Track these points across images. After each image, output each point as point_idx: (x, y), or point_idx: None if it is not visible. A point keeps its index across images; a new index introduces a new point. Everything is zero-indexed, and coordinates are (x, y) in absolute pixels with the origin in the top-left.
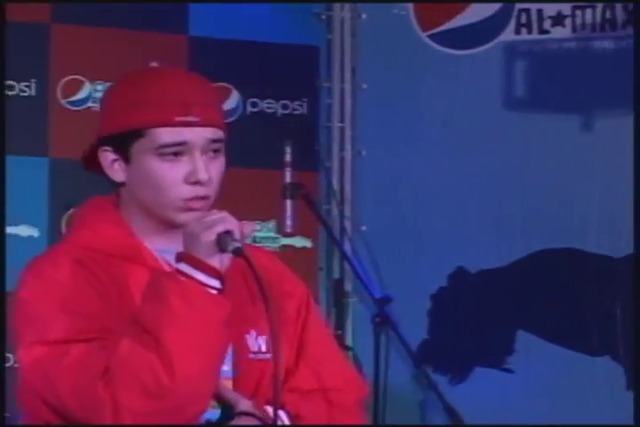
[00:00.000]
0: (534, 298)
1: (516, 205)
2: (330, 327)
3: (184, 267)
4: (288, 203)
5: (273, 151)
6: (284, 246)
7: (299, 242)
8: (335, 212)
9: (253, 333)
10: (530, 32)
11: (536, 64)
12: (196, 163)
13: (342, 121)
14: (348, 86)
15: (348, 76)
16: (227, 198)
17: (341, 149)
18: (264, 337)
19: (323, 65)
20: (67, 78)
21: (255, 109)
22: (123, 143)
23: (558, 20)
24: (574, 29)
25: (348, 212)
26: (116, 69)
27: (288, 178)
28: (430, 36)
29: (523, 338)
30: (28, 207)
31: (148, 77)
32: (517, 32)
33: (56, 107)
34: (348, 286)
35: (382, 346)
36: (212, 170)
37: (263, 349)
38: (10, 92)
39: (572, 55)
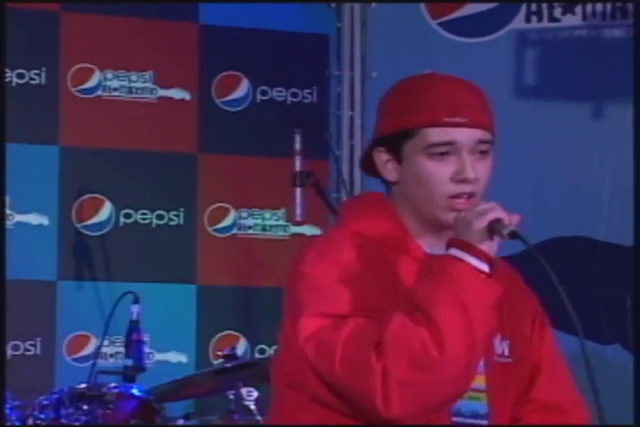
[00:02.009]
0: (544, 286)
1: (528, 192)
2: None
3: (456, 251)
4: (298, 191)
5: (283, 139)
6: (294, 235)
7: (308, 230)
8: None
9: (498, 335)
10: (540, 20)
11: (546, 52)
12: (462, 162)
13: (352, 109)
14: (357, 74)
15: (357, 64)
16: (237, 186)
17: (351, 137)
18: (507, 341)
19: (332, 53)
20: (77, 66)
21: (265, 97)
22: (396, 144)
23: (569, 7)
24: (585, 17)
25: None
26: (125, 58)
27: (298, 166)
28: (440, 24)
29: None
30: (39, 195)
31: (423, 82)
32: (528, 20)
33: (66, 95)
34: None
35: None
36: (478, 169)
37: (506, 353)
38: (20, 81)
39: (582, 43)
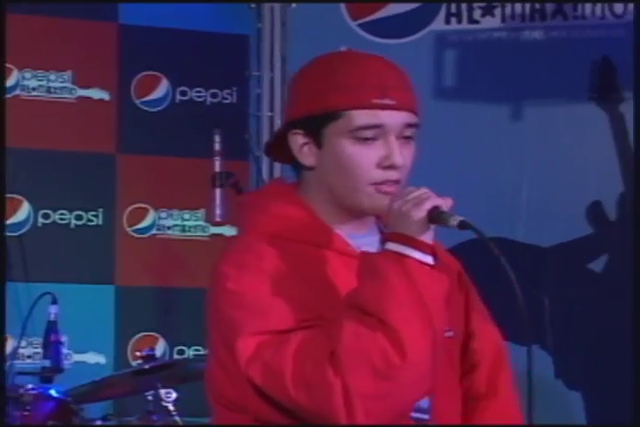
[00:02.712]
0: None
1: (447, 193)
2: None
3: (396, 246)
4: (217, 192)
5: (202, 140)
6: (214, 235)
7: (228, 231)
8: None
9: None
10: (460, 22)
11: (466, 54)
12: (391, 146)
13: (272, 110)
14: (277, 75)
15: (277, 65)
16: (156, 187)
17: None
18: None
19: (252, 54)
20: None
21: (185, 98)
22: (316, 126)
23: (488, 9)
24: (504, 19)
25: None
26: (44, 57)
27: (217, 167)
28: (360, 25)
29: None
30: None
31: (343, 61)
32: (447, 22)
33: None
34: None
35: None
36: (404, 155)
37: (445, 327)
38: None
39: (501, 45)
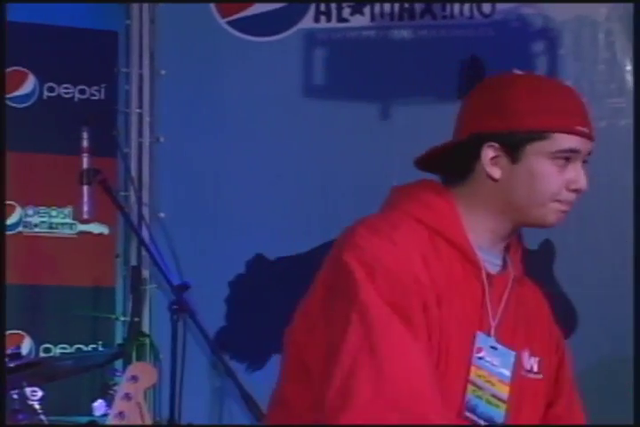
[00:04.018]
0: None
1: (316, 192)
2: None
3: None
4: (85, 189)
5: (70, 137)
6: (82, 233)
7: (96, 228)
8: (133, 198)
9: (527, 351)
10: (329, 20)
11: (335, 52)
12: (579, 172)
13: (140, 107)
14: (146, 72)
15: (146, 61)
16: (23, 184)
17: (139, 135)
18: (537, 358)
19: (121, 50)
20: None
21: (52, 94)
22: (517, 143)
23: (357, 8)
24: (373, 18)
25: (146, 198)
26: None
27: (85, 164)
28: (229, 23)
29: None
30: None
31: (547, 85)
32: (317, 20)
33: None
34: (146, 273)
35: (180, 333)
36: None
37: (535, 369)
38: None
39: (370, 44)
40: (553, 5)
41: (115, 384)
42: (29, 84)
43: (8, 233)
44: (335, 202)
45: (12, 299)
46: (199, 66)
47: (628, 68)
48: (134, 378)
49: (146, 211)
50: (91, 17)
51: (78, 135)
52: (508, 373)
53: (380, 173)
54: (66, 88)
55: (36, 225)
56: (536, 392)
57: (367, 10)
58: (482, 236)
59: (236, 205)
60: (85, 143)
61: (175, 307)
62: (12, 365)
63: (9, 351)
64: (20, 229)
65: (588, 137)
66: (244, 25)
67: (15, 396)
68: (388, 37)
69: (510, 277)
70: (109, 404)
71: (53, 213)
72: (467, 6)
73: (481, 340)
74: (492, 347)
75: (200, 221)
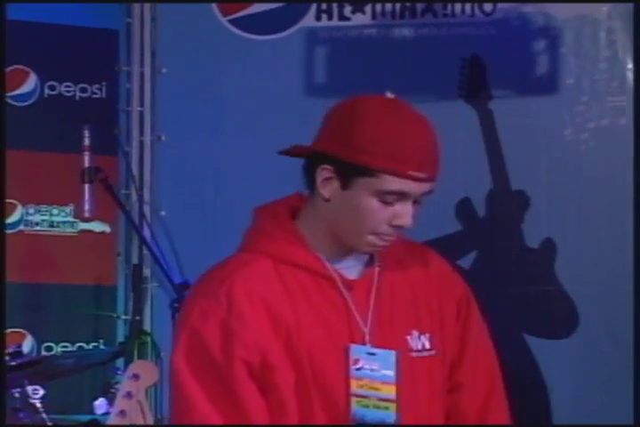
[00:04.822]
0: None
1: None
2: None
3: None
4: (86, 187)
5: (71, 135)
6: (83, 231)
7: (97, 227)
8: (134, 196)
9: (415, 333)
10: (330, 18)
11: (336, 51)
12: (405, 210)
13: (142, 105)
14: (147, 70)
15: (147, 60)
16: (24, 182)
17: (141, 133)
18: (427, 335)
19: (122, 49)
20: None
21: (53, 93)
22: (349, 174)
23: (359, 6)
24: (374, 16)
25: (147, 197)
26: None
27: (86, 162)
28: (231, 21)
29: None
30: None
31: (392, 121)
32: (318, 18)
33: None
34: (147, 272)
35: None
36: (414, 216)
37: (427, 346)
38: None
39: (371, 42)
40: (554, 4)
41: (116, 383)
42: (30, 82)
43: (9, 232)
44: None
45: (14, 297)
46: (200, 64)
47: (630, 66)
48: (136, 376)
49: (147, 209)
50: (92, 15)
51: (79, 134)
52: (391, 373)
53: None
54: (67, 86)
55: (37, 223)
56: (431, 368)
57: (368, 8)
58: (329, 249)
59: (238, 203)
60: (86, 142)
61: (176, 305)
62: (13, 363)
63: (10, 350)
64: (22, 227)
65: (425, 180)
66: (246, 23)
67: (17, 394)
68: (389, 36)
69: (375, 273)
70: (111, 402)
71: (54, 211)
72: (468, 5)
73: (355, 351)
74: (370, 353)
75: (201, 219)
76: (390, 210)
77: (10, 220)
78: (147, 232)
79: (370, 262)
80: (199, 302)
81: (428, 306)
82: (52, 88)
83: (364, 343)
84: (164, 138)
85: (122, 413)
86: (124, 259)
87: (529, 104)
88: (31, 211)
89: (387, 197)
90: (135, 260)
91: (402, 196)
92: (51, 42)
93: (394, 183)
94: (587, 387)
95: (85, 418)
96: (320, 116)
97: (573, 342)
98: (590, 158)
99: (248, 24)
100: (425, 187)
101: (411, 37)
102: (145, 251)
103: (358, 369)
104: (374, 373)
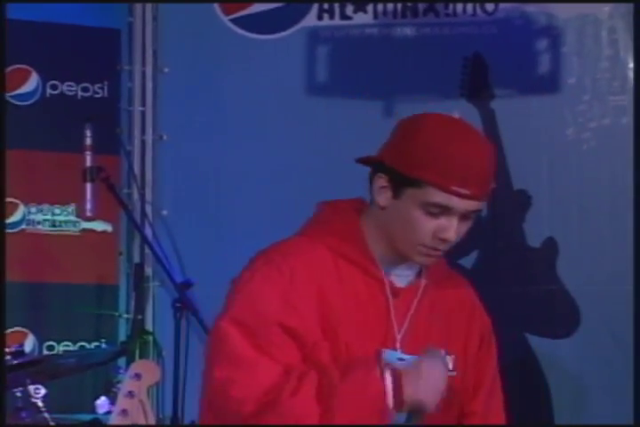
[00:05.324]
0: None
1: (319, 189)
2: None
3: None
4: (88, 186)
5: (73, 134)
6: (85, 230)
7: (99, 226)
8: (136, 196)
9: (442, 352)
10: (332, 18)
11: (338, 50)
12: (451, 224)
13: (143, 105)
14: (149, 70)
15: (149, 59)
16: (26, 181)
17: (142, 132)
18: (452, 357)
19: (124, 48)
20: None
21: (55, 92)
22: (400, 183)
23: (360, 6)
24: (376, 16)
25: (148, 196)
26: None
27: (88, 161)
28: (232, 21)
29: None
30: None
31: (450, 142)
32: (320, 18)
33: None
34: (149, 271)
35: (183, 331)
36: (460, 231)
37: (450, 367)
38: None
39: (373, 41)
40: (556, 3)
41: (118, 382)
42: (32, 81)
43: (11, 231)
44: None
45: (16, 296)
46: (202, 64)
47: (631, 65)
48: (137, 376)
49: (149, 208)
50: (93, 15)
51: (81, 133)
52: None
53: None
54: (69, 86)
55: (39, 223)
56: (450, 387)
57: (370, 8)
58: (385, 252)
59: (239, 202)
60: (88, 141)
61: (178, 304)
62: (15, 362)
63: (12, 349)
64: (24, 226)
65: (469, 198)
66: (248, 23)
67: (18, 394)
68: (390, 35)
69: (421, 286)
70: (112, 402)
71: (56, 210)
72: (470, 4)
73: (387, 356)
74: (400, 359)
75: (203, 218)
76: (435, 222)
77: (12, 219)
78: (148, 231)
79: (419, 274)
80: (261, 269)
81: (457, 330)
82: (54, 87)
83: (395, 349)
84: (165, 137)
85: (124, 412)
86: (126, 258)
87: (531, 103)
88: (33, 210)
89: (431, 209)
90: (137, 259)
91: (446, 209)
92: (52, 41)
93: (437, 196)
94: (587, 387)
95: (87, 417)
96: (322, 115)
97: (574, 341)
98: (592, 157)
99: (250, 23)
100: (470, 204)
101: (412, 37)
102: (147, 250)
103: None
104: None
